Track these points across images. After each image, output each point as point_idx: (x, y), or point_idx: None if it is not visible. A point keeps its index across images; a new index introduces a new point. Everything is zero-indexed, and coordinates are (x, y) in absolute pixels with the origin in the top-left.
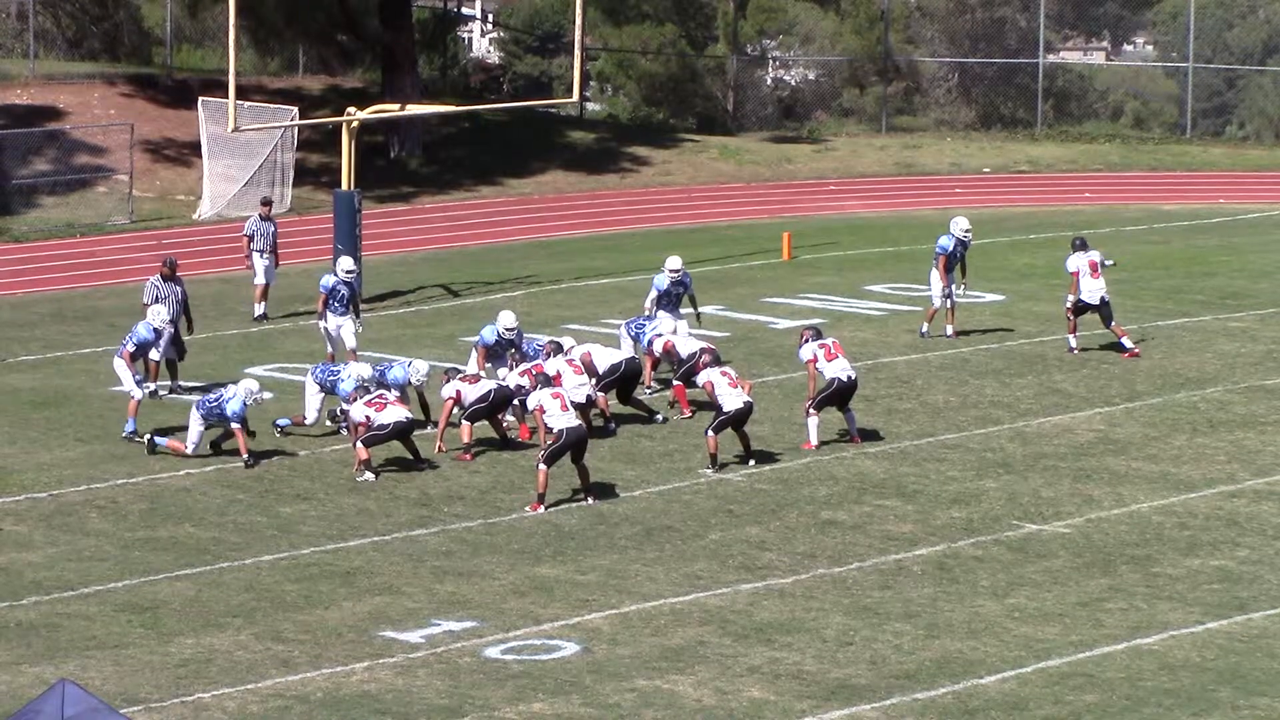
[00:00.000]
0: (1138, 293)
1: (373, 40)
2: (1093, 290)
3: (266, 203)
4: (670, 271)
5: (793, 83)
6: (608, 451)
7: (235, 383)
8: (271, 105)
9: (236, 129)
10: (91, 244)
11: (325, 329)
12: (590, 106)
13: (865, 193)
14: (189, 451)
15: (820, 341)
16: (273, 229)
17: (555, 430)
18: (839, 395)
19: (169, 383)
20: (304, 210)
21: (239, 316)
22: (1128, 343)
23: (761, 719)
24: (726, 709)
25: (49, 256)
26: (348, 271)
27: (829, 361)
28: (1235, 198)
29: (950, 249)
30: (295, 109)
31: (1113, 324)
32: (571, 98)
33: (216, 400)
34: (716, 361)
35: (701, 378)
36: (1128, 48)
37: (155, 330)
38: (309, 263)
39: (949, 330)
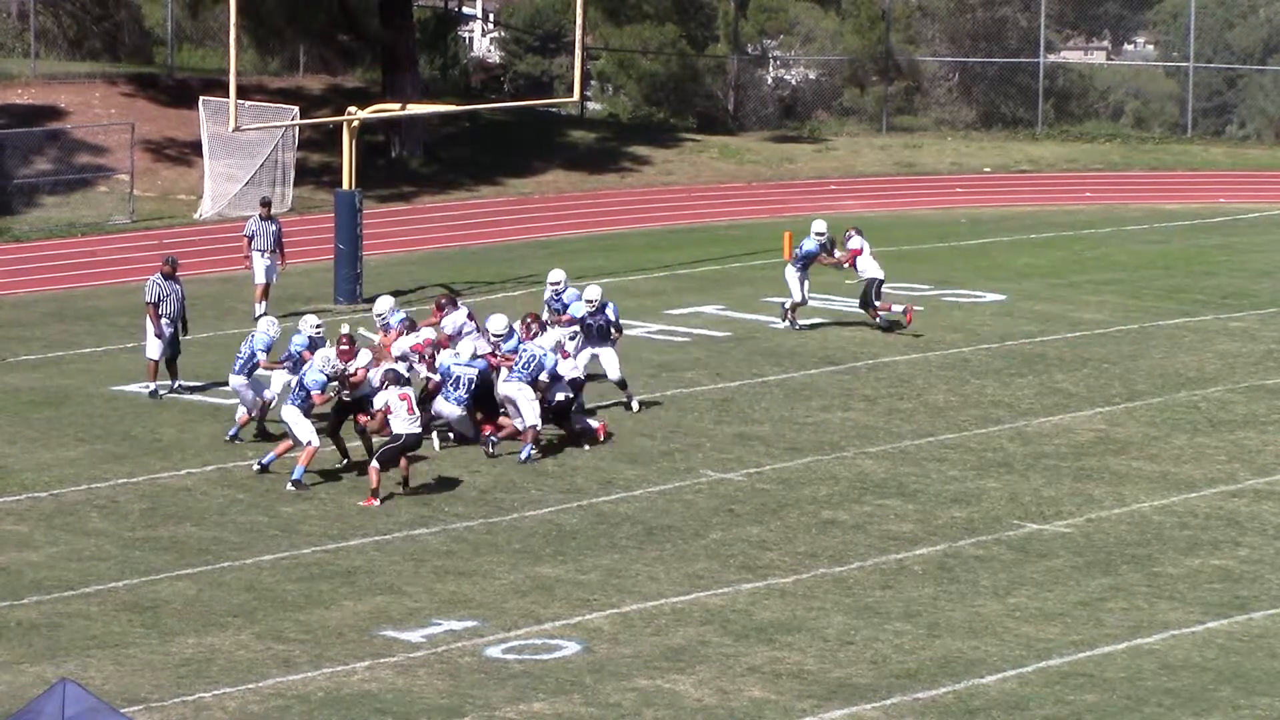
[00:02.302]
0: (1138, 292)
1: (373, 40)
2: (870, 266)
3: (265, 203)
4: (587, 302)
5: (793, 82)
6: (608, 451)
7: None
8: (272, 105)
9: (237, 128)
10: (92, 244)
11: None
12: (591, 106)
13: (865, 193)
14: (273, 400)
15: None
16: (274, 228)
17: (396, 433)
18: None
19: (169, 382)
20: (305, 210)
21: (239, 316)
22: (886, 317)
23: (762, 719)
24: (727, 709)
25: (49, 256)
26: (315, 327)
27: (563, 359)
28: (1235, 197)
29: (815, 252)
30: (296, 109)
31: (878, 303)
32: (572, 97)
33: (245, 357)
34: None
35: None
36: (1128, 47)
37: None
38: (309, 263)
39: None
